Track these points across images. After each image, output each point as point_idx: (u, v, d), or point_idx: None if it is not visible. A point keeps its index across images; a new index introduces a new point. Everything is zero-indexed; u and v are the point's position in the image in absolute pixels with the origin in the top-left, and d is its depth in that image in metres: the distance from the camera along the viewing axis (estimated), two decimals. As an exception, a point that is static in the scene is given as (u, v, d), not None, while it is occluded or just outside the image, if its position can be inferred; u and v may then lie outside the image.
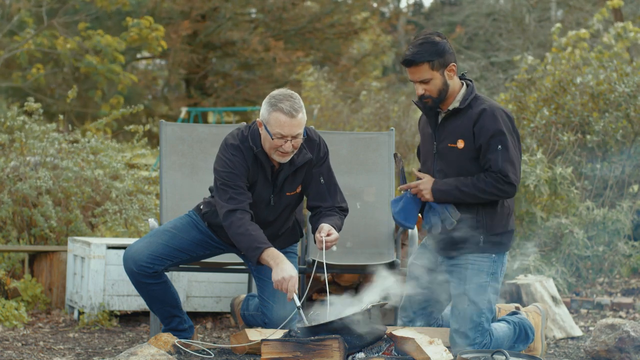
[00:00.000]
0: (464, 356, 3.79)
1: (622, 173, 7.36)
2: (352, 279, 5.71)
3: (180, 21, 19.85)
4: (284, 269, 4.00)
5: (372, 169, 5.37)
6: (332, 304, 4.02)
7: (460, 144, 4.17)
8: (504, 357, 3.70)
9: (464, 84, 4.25)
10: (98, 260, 5.52)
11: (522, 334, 4.38)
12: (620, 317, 5.90)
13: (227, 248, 4.53)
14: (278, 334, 4.06)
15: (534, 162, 6.59)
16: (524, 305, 5.20)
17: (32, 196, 6.55)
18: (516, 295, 5.49)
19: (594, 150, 7.51)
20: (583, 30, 10.95)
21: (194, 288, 5.71)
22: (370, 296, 4.02)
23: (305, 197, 4.49)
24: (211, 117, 19.41)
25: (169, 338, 4.31)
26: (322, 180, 4.35)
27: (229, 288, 5.76)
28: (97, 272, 5.52)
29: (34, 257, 6.41)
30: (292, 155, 4.22)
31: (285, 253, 4.30)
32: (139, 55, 20.75)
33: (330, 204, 4.35)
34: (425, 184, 4.23)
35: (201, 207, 4.51)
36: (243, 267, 4.90)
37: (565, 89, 7.88)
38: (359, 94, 15.02)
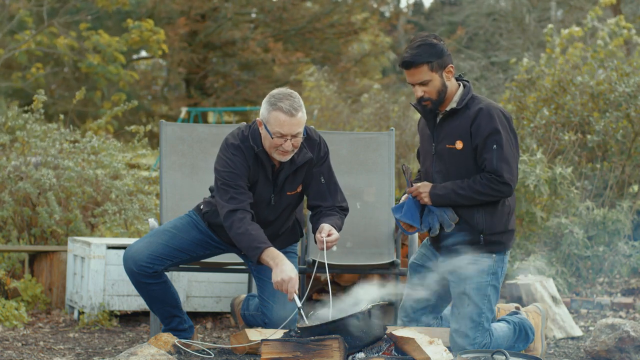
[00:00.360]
0: (464, 356, 3.79)
1: (622, 173, 7.36)
2: (352, 279, 5.71)
3: (179, 20, 19.86)
4: (283, 270, 4.00)
5: (372, 169, 5.37)
6: (332, 304, 4.02)
7: (459, 144, 4.17)
8: (504, 357, 3.70)
9: (461, 84, 4.26)
10: (98, 260, 5.52)
11: (522, 334, 4.38)
12: (620, 317, 5.90)
13: (227, 248, 4.53)
14: (278, 334, 4.06)
15: (533, 162, 6.59)
16: (524, 305, 5.21)
17: (34, 195, 6.55)
18: (516, 295, 5.49)
19: (594, 150, 7.50)
20: (576, 29, 10.94)
21: (194, 288, 5.71)
22: (370, 296, 4.02)
23: (305, 197, 4.49)
24: (211, 117, 19.42)
25: (169, 338, 4.31)
26: (322, 180, 4.35)
27: (229, 288, 5.76)
28: (97, 272, 5.52)
29: (34, 257, 6.41)
30: (292, 155, 4.22)
31: (285, 253, 4.30)
32: (138, 56, 20.75)
33: (330, 204, 4.35)
34: (424, 187, 4.24)
35: (201, 207, 4.51)
36: (243, 267, 4.90)
37: (565, 89, 7.88)
38: (360, 94, 15.02)
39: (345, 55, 21.38)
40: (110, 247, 5.56)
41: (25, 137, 6.89)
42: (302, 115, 4.14)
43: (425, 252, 4.42)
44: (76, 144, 7.07)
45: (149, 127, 7.63)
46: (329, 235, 4.15)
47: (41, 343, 4.89)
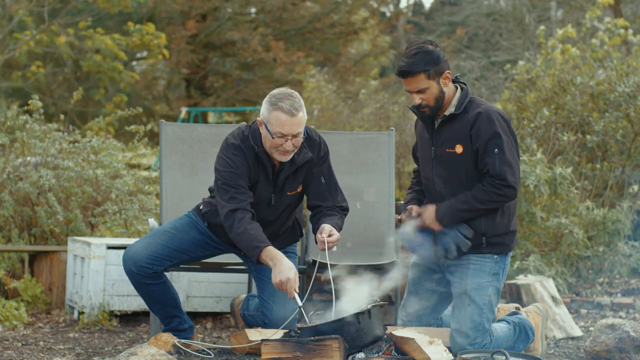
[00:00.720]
0: (464, 356, 3.79)
1: (622, 173, 7.36)
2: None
3: (185, 21, 19.86)
4: (281, 271, 3.99)
5: (372, 169, 5.37)
6: (332, 305, 4.02)
7: (459, 149, 4.16)
8: (504, 357, 3.70)
9: (458, 87, 4.24)
10: (98, 260, 5.52)
11: (522, 334, 4.38)
12: (620, 317, 5.90)
13: (227, 248, 4.53)
14: (278, 334, 4.06)
15: (533, 162, 6.59)
16: (524, 306, 5.21)
17: (33, 195, 6.55)
18: (516, 295, 5.49)
19: (593, 151, 7.51)
20: (570, 30, 10.93)
21: (194, 288, 5.71)
22: (370, 296, 4.02)
23: (305, 197, 4.49)
24: (211, 117, 19.42)
25: (169, 338, 4.31)
26: (322, 180, 4.35)
27: (229, 288, 5.76)
28: (97, 272, 5.52)
29: (34, 257, 6.41)
30: (292, 155, 4.22)
31: (285, 253, 4.30)
32: (141, 55, 20.76)
33: (330, 204, 4.35)
34: (429, 218, 4.21)
35: (201, 207, 4.51)
36: (243, 267, 4.90)
37: (565, 89, 7.88)
38: (358, 93, 15.02)
39: (345, 56, 21.38)
40: (110, 247, 5.56)
41: (24, 137, 6.89)
42: (303, 115, 4.14)
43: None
44: (76, 144, 7.08)
45: (149, 126, 7.63)
46: (330, 235, 4.15)
47: (41, 343, 4.89)
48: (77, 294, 5.71)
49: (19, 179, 6.64)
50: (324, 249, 4.12)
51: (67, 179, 6.65)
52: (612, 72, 7.78)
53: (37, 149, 6.85)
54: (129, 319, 5.79)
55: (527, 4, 19.71)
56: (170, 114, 20.23)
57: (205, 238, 4.48)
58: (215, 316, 5.89)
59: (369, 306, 3.86)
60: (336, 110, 12.76)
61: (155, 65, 21.30)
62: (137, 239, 5.03)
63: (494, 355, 3.77)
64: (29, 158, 6.90)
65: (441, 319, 4.51)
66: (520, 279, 5.65)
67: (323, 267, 4.37)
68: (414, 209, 4.33)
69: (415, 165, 4.54)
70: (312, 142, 4.33)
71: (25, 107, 7.31)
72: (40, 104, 7.09)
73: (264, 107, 4.16)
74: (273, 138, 4.13)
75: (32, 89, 16.55)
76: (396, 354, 3.91)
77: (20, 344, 4.83)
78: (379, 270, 4.98)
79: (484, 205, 4.12)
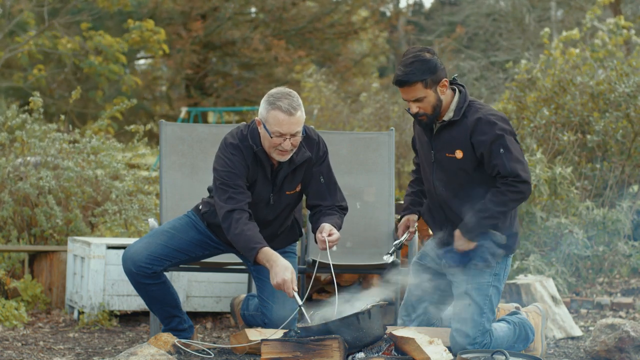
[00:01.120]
0: (464, 356, 3.79)
1: (622, 173, 7.36)
2: (352, 279, 5.71)
3: (186, 21, 19.86)
4: (277, 272, 3.98)
5: (372, 169, 5.37)
6: (332, 304, 4.02)
7: (459, 154, 4.14)
8: (504, 357, 3.70)
9: (456, 90, 4.22)
10: (98, 260, 5.52)
11: (522, 334, 4.38)
12: (620, 317, 5.90)
13: (226, 248, 4.53)
14: (278, 334, 4.06)
15: (533, 162, 6.59)
16: (524, 305, 5.20)
17: (33, 195, 6.55)
18: (516, 295, 5.48)
19: (593, 150, 7.50)
20: (574, 31, 10.93)
21: (194, 288, 5.71)
22: (370, 296, 4.02)
23: (304, 196, 4.48)
24: (211, 117, 19.42)
25: (169, 338, 4.31)
26: (322, 179, 4.35)
27: (229, 288, 5.76)
28: (97, 272, 5.52)
29: (34, 257, 6.42)
30: (291, 154, 4.22)
31: (284, 252, 4.30)
32: (140, 55, 20.77)
33: (330, 203, 4.35)
34: (461, 244, 4.18)
35: (200, 207, 4.51)
36: (243, 267, 4.90)
37: (565, 89, 7.88)
38: (359, 94, 15.03)
39: (344, 56, 21.37)
40: (110, 247, 5.56)
41: (24, 137, 6.89)
42: (301, 114, 4.13)
43: (428, 252, 4.42)
44: (76, 144, 7.08)
45: (148, 126, 7.63)
46: (330, 234, 4.15)
47: (41, 343, 4.89)
48: (77, 294, 5.71)
49: (18, 179, 6.64)
50: (325, 249, 4.12)
51: (67, 179, 6.64)
52: (612, 72, 7.78)
53: (36, 148, 6.85)
54: (128, 318, 5.79)
55: (527, 4, 19.71)
56: (170, 114, 20.24)
57: (205, 238, 4.48)
58: (215, 316, 5.89)
59: (369, 306, 3.86)
60: (336, 110, 12.78)
61: (156, 65, 21.31)
62: (136, 239, 5.03)
63: (494, 355, 3.77)
64: (28, 158, 6.90)
65: (441, 319, 4.50)
66: (520, 279, 5.65)
67: (323, 267, 4.38)
68: (410, 224, 4.37)
69: (414, 155, 4.53)
70: (311, 142, 4.33)
71: (26, 107, 7.31)
72: (40, 102, 7.09)
73: (262, 107, 4.16)
74: (271, 137, 4.13)
75: (32, 89, 16.56)
76: (396, 354, 3.91)
77: (20, 344, 4.83)
78: (379, 270, 4.99)
79: (503, 207, 4.09)
